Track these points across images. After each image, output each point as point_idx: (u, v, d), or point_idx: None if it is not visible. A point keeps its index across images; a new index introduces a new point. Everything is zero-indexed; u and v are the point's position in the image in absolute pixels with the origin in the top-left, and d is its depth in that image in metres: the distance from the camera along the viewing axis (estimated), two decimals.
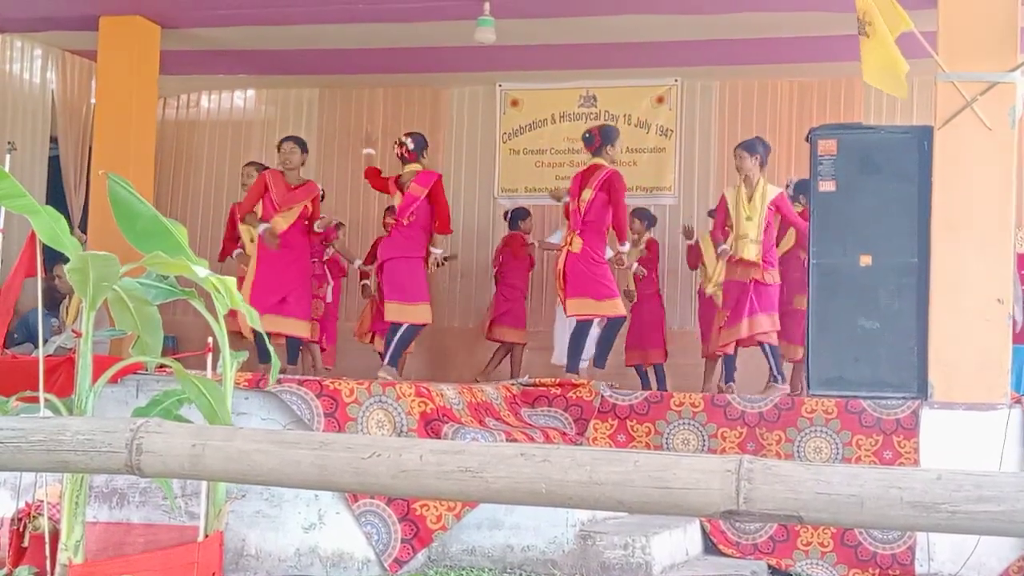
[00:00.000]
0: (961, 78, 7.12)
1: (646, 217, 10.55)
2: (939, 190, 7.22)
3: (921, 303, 7.29)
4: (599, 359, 9.18)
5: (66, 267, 4.47)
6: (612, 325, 9.00)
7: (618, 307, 8.79)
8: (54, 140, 11.33)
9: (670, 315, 10.98)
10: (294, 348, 9.31)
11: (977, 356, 7.05)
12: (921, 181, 7.35)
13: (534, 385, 8.16)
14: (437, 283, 12.01)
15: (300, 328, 8.99)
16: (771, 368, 8.77)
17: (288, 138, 9.36)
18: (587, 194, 8.66)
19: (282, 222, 8.84)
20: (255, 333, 5.78)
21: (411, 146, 8.78)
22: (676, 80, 11.57)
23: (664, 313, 10.63)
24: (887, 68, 6.80)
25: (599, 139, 8.80)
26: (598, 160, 8.76)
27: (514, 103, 12.04)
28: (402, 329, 8.66)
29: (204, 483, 4.91)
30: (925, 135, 7.38)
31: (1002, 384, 7.03)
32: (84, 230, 10.14)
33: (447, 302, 11.91)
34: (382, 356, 8.93)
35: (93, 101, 11.03)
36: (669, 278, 11.36)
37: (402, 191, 8.74)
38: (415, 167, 8.78)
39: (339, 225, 10.79)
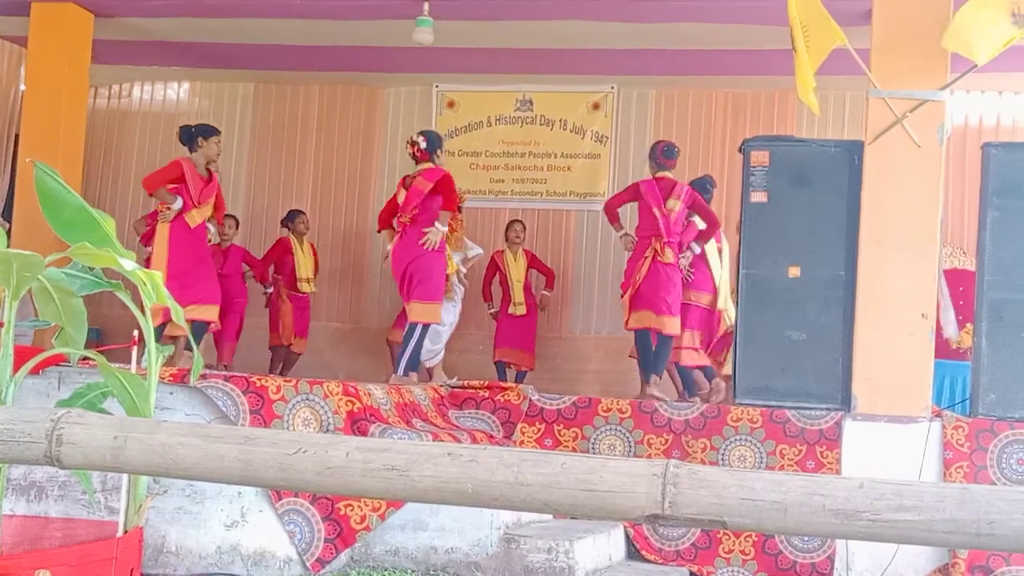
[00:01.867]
0: (892, 95, 7.23)
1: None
2: (868, 205, 7.31)
3: (847, 316, 7.38)
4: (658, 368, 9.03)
5: None
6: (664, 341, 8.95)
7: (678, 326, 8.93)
8: None
9: (597, 322, 11.14)
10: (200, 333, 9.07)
11: (900, 370, 7.14)
12: (851, 195, 7.43)
13: (462, 387, 8.15)
14: (371, 282, 11.97)
15: (212, 312, 8.77)
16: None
17: (218, 131, 9.14)
18: (675, 205, 8.76)
19: (197, 216, 8.66)
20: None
21: (423, 145, 8.64)
22: (612, 87, 11.63)
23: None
24: (803, 83, 6.91)
25: (675, 157, 9.02)
26: (666, 174, 8.89)
27: (450, 104, 12.02)
28: (418, 330, 8.54)
29: (124, 478, 4.83)
30: (856, 150, 7.47)
31: (924, 398, 7.13)
32: (8, 218, 9.95)
33: (378, 301, 11.87)
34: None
35: (22, 87, 10.84)
36: (585, 285, 11.55)
37: (407, 188, 8.62)
38: (426, 165, 8.63)
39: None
